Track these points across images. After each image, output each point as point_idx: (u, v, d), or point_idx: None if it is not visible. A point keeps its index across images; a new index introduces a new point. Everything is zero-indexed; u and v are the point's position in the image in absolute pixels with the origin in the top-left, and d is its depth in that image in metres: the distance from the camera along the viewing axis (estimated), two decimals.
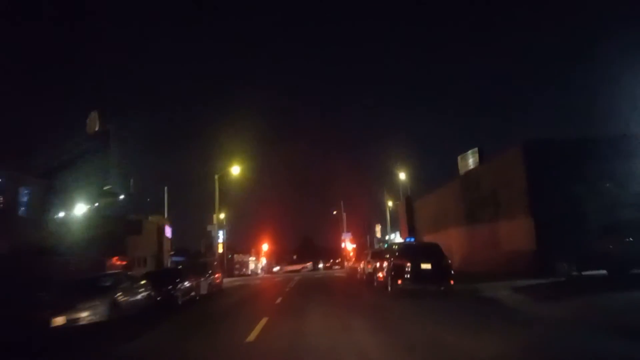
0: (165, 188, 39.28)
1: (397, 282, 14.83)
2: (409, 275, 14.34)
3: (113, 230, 26.26)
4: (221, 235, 63.02)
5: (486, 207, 22.80)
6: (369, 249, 29.03)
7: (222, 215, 63.74)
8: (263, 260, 75.78)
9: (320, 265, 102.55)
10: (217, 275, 23.51)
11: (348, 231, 71.86)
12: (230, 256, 65.83)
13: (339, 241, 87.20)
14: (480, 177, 24.30)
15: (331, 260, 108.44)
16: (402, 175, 44.67)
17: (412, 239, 35.89)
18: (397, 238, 65.02)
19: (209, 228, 35.80)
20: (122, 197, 30.18)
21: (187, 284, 17.25)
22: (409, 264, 14.38)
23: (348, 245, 72.56)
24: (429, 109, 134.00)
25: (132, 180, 30.53)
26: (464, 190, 25.81)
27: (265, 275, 59.46)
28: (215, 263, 25.76)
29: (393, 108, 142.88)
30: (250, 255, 68.93)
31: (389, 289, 15.66)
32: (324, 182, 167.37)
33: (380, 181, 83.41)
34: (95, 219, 27.14)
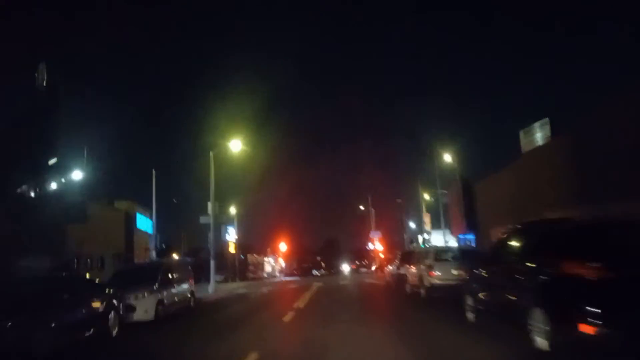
0: (153, 171, 31.12)
1: None
2: None
3: (48, 218, 18.12)
4: (232, 233, 55.24)
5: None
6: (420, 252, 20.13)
7: (232, 211, 55.89)
8: (281, 262, 67.25)
9: (346, 268, 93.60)
10: (184, 286, 14.97)
11: (377, 230, 62.80)
12: (242, 257, 57.78)
13: (366, 241, 78.51)
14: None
15: (356, 262, 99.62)
16: (446, 158, 35.53)
17: (471, 236, 26.97)
18: (436, 237, 55.70)
19: (202, 220, 27.37)
20: (76, 175, 22.33)
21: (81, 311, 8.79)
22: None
23: (377, 245, 63.48)
24: (464, 88, 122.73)
25: (86, 151, 22.67)
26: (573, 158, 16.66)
27: (283, 280, 51.10)
28: (186, 265, 17.07)
29: (424, 89, 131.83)
30: (266, 256, 60.58)
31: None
32: (350, 176, 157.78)
33: (415, 170, 73.54)
34: (28, 203, 19.06)
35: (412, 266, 17.46)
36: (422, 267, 15.74)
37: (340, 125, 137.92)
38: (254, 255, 58.39)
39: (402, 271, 19.03)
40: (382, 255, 69.81)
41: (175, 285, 13.99)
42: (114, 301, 10.36)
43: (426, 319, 10.73)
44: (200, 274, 57.20)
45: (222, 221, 27.93)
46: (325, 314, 12.43)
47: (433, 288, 14.59)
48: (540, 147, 22.28)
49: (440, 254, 16.28)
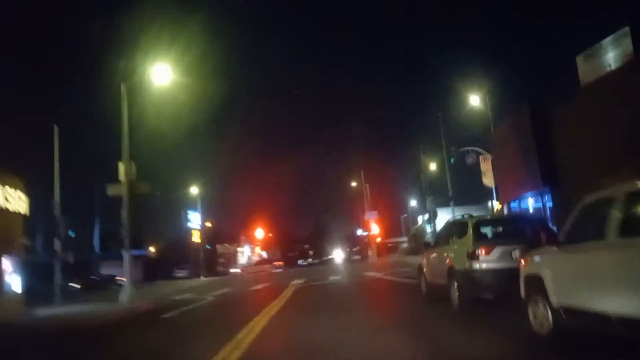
0: (55, 127, 21.14)
1: None
2: None
3: None
4: (195, 219, 45.37)
5: None
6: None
7: (194, 190, 46.00)
8: (259, 252, 57.00)
9: (339, 255, 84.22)
10: None
11: (373, 210, 53.16)
12: (208, 247, 47.83)
13: (359, 225, 69.10)
14: None
15: (347, 249, 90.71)
16: (473, 101, 25.84)
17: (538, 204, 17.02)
18: (443, 218, 46.35)
19: (110, 190, 17.43)
20: None
21: None
22: None
23: (374, 228, 53.88)
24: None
25: None
26: None
27: (259, 273, 41.37)
28: None
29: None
30: (239, 245, 50.49)
31: None
32: (341, 154, 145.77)
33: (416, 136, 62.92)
34: None
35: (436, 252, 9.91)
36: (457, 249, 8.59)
37: (325, 94, 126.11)
38: (225, 245, 48.44)
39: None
40: (378, 240, 60.79)
41: None
42: None
43: None
44: (157, 270, 47.32)
45: (140, 191, 17.85)
46: None
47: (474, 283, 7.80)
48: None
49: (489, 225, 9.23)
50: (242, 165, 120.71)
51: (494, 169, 23.48)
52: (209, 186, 46.67)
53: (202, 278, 36.81)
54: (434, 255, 9.91)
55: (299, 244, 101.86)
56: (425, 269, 10.33)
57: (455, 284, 8.28)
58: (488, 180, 24.92)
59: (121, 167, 17.38)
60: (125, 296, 16.35)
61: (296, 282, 20.41)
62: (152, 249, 62.47)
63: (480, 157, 26.12)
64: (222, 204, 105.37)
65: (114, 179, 17.50)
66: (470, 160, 27.83)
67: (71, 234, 26.05)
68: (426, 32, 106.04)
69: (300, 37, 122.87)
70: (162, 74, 17.80)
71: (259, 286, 20.11)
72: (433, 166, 47.11)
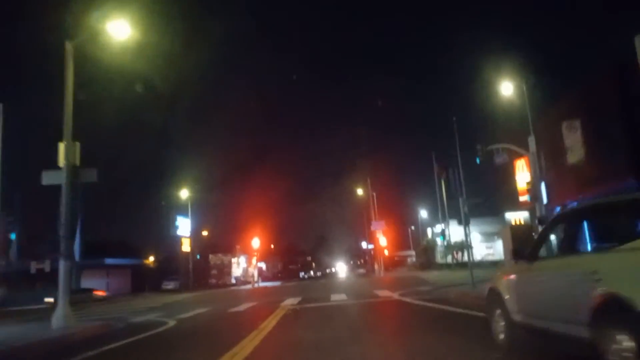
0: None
1: None
2: None
3: None
4: (184, 226, 40.84)
5: None
6: None
7: (184, 194, 41.73)
8: (256, 263, 52.45)
9: (340, 270, 79.81)
10: None
11: (380, 220, 48.78)
12: (198, 257, 43.40)
13: (364, 237, 64.64)
14: None
15: (350, 262, 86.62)
16: (505, 90, 21.69)
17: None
18: (455, 230, 42.00)
19: (45, 179, 13.24)
20: None
21: None
22: None
23: (381, 239, 49.46)
24: None
25: None
26: None
27: (253, 287, 36.85)
28: None
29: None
30: (234, 255, 46.06)
31: None
32: (347, 164, 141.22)
33: (428, 142, 58.38)
34: None
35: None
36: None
37: (334, 96, 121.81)
38: (219, 255, 44.04)
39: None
40: (386, 253, 56.38)
41: None
42: None
43: None
44: (145, 282, 42.99)
45: (85, 179, 13.78)
46: None
47: None
48: None
49: None
50: (243, 173, 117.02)
51: (540, 168, 19.06)
52: (206, 192, 42.47)
53: (185, 294, 32.56)
54: (538, 274, 4.91)
55: (301, 256, 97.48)
56: (507, 298, 5.70)
57: (625, 337, 3.64)
58: (574, 156, 18.88)
59: (61, 149, 13.29)
60: (58, 318, 12.20)
61: (290, 301, 16.16)
62: (151, 258, 58.12)
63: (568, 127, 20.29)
64: (221, 212, 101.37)
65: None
66: (499, 160, 23.53)
67: (12, 236, 22.06)
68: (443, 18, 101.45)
69: (301, 37, 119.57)
70: (121, 31, 13.88)
71: (241, 307, 15.82)
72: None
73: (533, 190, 18.82)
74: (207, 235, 61.15)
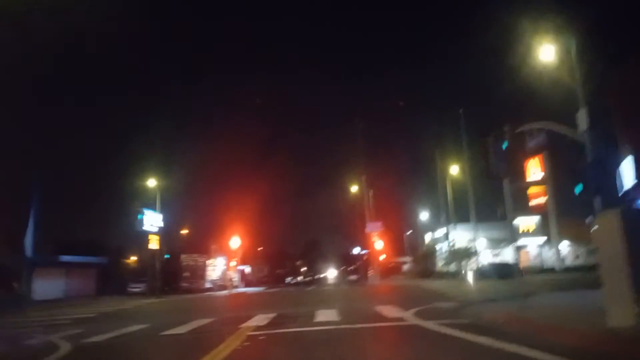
0: None
1: None
2: None
3: None
4: (153, 220, 35.56)
5: None
6: None
7: (151, 183, 36.51)
8: (235, 265, 47.05)
9: (330, 276, 75.22)
10: None
11: (377, 220, 43.92)
12: (167, 256, 38.04)
13: (358, 241, 59.93)
14: None
15: (342, 267, 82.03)
16: (544, 56, 17.11)
17: None
18: (462, 234, 37.26)
19: None
20: None
21: None
22: None
23: (377, 243, 44.58)
24: None
25: None
26: None
27: (229, 293, 31.77)
28: None
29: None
30: (209, 257, 40.84)
31: None
32: (341, 162, 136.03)
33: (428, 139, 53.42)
34: None
35: None
36: None
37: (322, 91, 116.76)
38: (193, 256, 38.88)
39: None
40: (381, 258, 51.59)
41: None
42: None
43: None
44: (110, 283, 37.95)
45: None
46: None
47: None
48: None
49: None
50: (228, 170, 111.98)
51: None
52: (185, 186, 37.51)
53: (150, 299, 27.54)
54: None
55: (290, 260, 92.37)
56: None
57: None
58: None
59: None
60: None
61: (258, 318, 11.33)
62: (133, 258, 52.44)
63: None
64: (204, 211, 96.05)
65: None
66: (535, 142, 18.93)
67: None
68: None
69: (301, 36, 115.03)
70: None
71: (187, 326, 10.85)
72: (454, 170, 38.22)
73: (591, 179, 14.16)
74: (187, 234, 56.00)
